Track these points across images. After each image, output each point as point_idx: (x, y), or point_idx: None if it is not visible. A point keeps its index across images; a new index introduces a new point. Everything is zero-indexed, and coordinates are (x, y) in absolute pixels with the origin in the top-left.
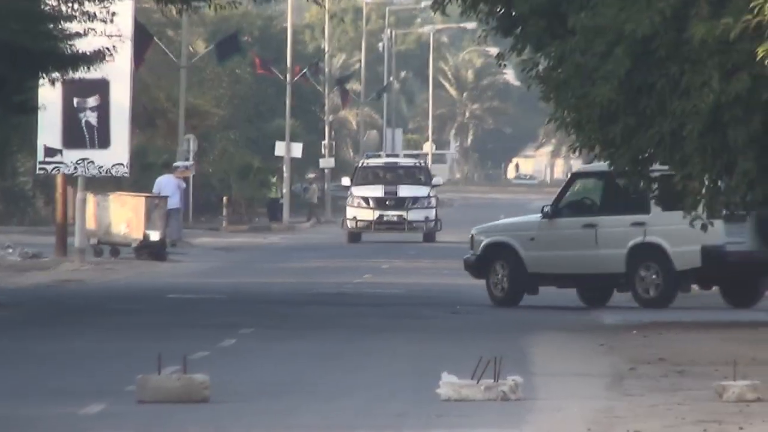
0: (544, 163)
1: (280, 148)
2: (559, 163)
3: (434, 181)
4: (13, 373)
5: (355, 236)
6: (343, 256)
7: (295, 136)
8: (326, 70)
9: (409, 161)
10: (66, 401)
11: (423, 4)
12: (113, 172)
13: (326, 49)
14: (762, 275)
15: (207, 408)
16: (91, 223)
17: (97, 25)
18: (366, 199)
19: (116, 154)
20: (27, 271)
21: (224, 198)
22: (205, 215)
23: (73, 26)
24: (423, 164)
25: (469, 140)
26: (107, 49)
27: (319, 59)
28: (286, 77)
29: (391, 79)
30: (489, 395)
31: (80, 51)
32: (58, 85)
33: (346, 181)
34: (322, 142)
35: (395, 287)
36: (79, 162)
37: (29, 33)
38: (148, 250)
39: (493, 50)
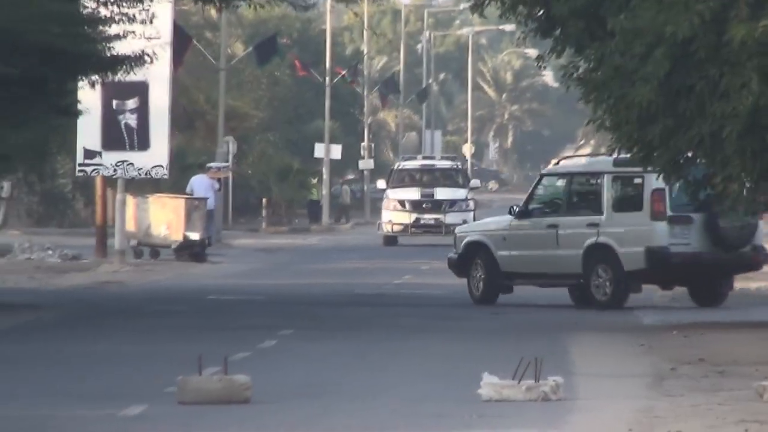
0: None
1: (319, 150)
2: None
3: (472, 183)
4: (54, 375)
5: (391, 240)
6: (382, 257)
7: (335, 138)
8: (365, 72)
9: (446, 163)
10: (106, 403)
11: (462, 6)
12: (153, 173)
13: (365, 52)
14: (713, 276)
15: (248, 409)
16: (130, 225)
17: (136, 28)
18: (402, 202)
19: (155, 156)
20: (67, 273)
21: (264, 199)
22: (244, 216)
23: (113, 29)
24: (460, 166)
25: (509, 142)
26: (146, 52)
27: (358, 62)
28: (325, 79)
29: (430, 81)
30: (530, 396)
31: (119, 53)
32: (98, 87)
33: (381, 183)
34: (361, 144)
35: (435, 288)
36: (118, 164)
37: (68, 36)
38: (188, 252)
39: (532, 52)
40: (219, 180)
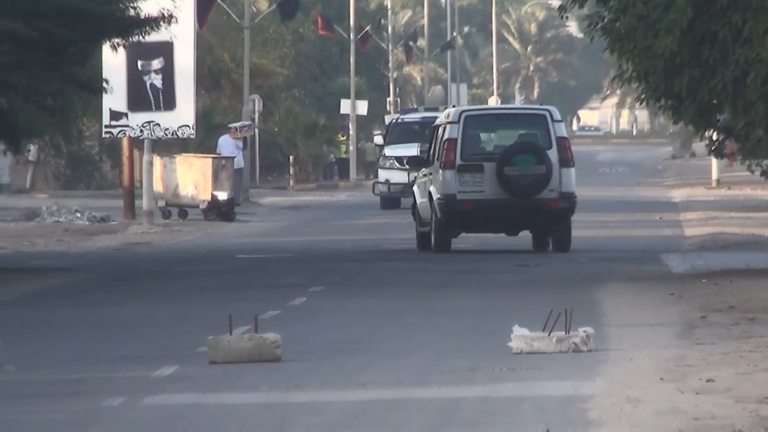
0: (609, 115)
1: (345, 106)
2: (625, 114)
3: None
4: (84, 338)
5: (389, 201)
6: (410, 212)
7: (360, 94)
8: (389, 27)
9: None
10: (138, 364)
11: None
12: (179, 134)
13: (389, 6)
14: (512, 221)
15: (279, 367)
16: (158, 186)
17: None
18: (400, 160)
19: (182, 116)
20: (95, 235)
21: (290, 157)
22: (272, 174)
23: None
24: None
25: (535, 93)
26: (169, 11)
27: (382, 16)
28: (349, 36)
29: (455, 34)
30: (560, 347)
31: (142, 14)
32: (122, 49)
33: (378, 139)
34: (387, 99)
35: (462, 242)
36: (144, 125)
37: None
38: (217, 211)
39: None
40: (244, 139)
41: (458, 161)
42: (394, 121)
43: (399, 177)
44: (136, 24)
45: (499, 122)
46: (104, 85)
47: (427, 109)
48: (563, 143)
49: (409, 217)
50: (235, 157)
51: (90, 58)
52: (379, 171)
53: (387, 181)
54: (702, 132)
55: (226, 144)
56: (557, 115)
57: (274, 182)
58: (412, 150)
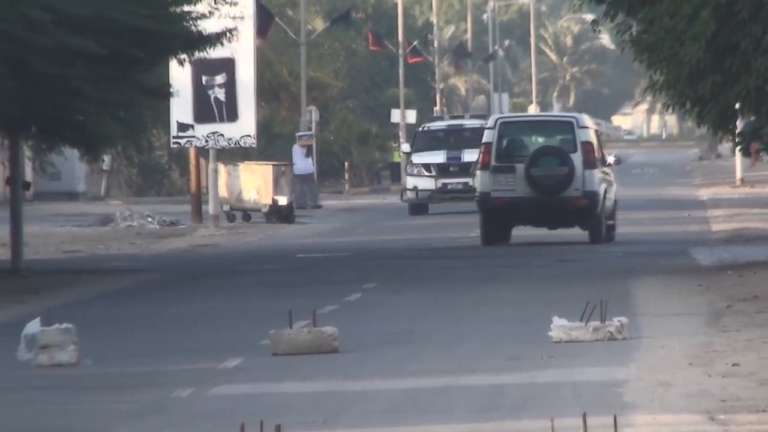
0: (640, 120)
1: (395, 115)
2: (655, 119)
3: None
4: (155, 333)
5: (417, 208)
6: (458, 212)
7: (409, 104)
8: (435, 41)
9: (475, 122)
10: (206, 357)
11: None
12: (242, 143)
13: (434, 22)
14: (541, 216)
15: (336, 358)
16: (223, 192)
17: (221, 7)
18: (427, 167)
19: (244, 127)
20: (165, 238)
21: (345, 163)
22: (328, 180)
23: (198, 8)
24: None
25: (571, 101)
26: (231, 30)
27: (428, 32)
28: (398, 50)
29: (496, 47)
30: (597, 336)
31: (205, 32)
32: (187, 64)
33: (406, 147)
34: (434, 108)
35: (517, 237)
36: (209, 135)
37: (157, 17)
38: (277, 214)
39: (589, 17)
40: (308, 147)
41: (493, 163)
42: (420, 129)
43: (426, 184)
44: (200, 41)
45: (531, 128)
46: (171, 90)
47: (452, 117)
48: (587, 147)
49: (454, 217)
50: (294, 164)
51: (157, 70)
52: (407, 178)
53: (415, 188)
54: (723, 134)
55: (297, 152)
56: (583, 122)
57: (331, 187)
58: (438, 157)
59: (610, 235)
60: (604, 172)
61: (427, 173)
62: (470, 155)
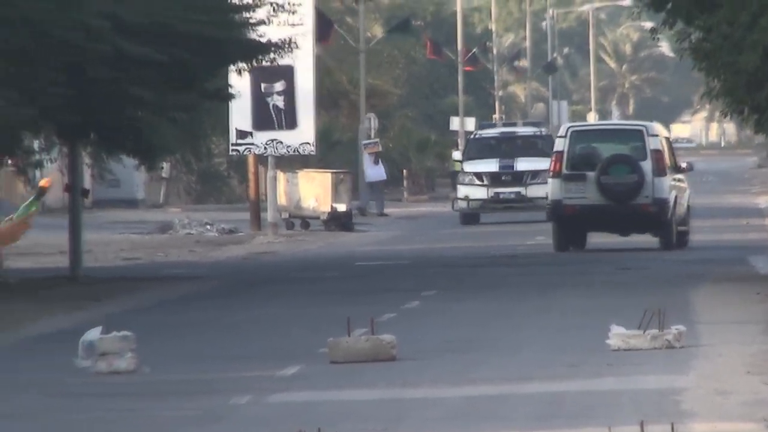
0: (699, 128)
1: (454, 123)
2: (714, 127)
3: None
4: (214, 340)
5: (469, 217)
6: (515, 220)
7: (468, 111)
8: (494, 49)
9: (528, 130)
10: (265, 364)
11: None
12: (301, 150)
13: (493, 30)
14: (613, 223)
15: (394, 366)
16: (282, 199)
17: (280, 15)
18: (479, 175)
19: (303, 134)
20: (224, 246)
21: (404, 171)
22: (387, 187)
23: (258, 16)
24: (545, 132)
25: (630, 109)
26: (290, 39)
27: (487, 39)
28: (457, 58)
29: (555, 55)
30: (655, 344)
31: (265, 40)
32: (247, 73)
33: (457, 155)
34: (493, 116)
35: (591, 243)
36: (268, 142)
37: (216, 24)
38: (336, 222)
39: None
40: (375, 154)
41: (564, 171)
42: (472, 136)
43: (478, 193)
44: (259, 49)
45: (601, 136)
46: (231, 93)
47: (505, 124)
48: (657, 155)
49: (511, 225)
50: (348, 172)
51: (219, 81)
52: (459, 187)
53: (466, 197)
54: None
55: (366, 160)
56: (653, 130)
57: (390, 194)
58: (491, 165)
59: (683, 241)
60: (675, 179)
61: (478, 182)
62: (523, 164)
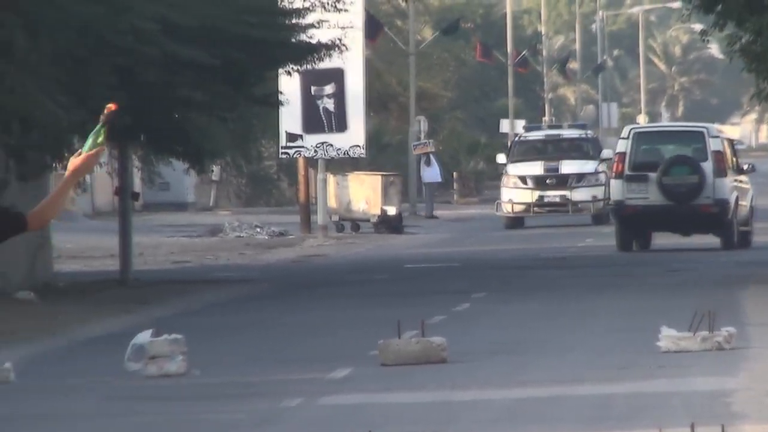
0: (749, 129)
1: (504, 126)
2: (764, 128)
3: (603, 154)
4: (264, 343)
5: (513, 221)
6: (565, 222)
7: (518, 114)
8: (544, 51)
9: (573, 132)
10: (314, 366)
11: None
12: (351, 153)
13: (543, 32)
14: (674, 223)
15: (445, 368)
16: (332, 202)
17: (330, 17)
18: (523, 179)
19: (353, 137)
20: (274, 248)
21: (454, 173)
22: (437, 190)
23: (308, 19)
24: (591, 135)
25: (680, 111)
26: (340, 40)
27: (537, 42)
28: (507, 60)
29: (605, 57)
30: (705, 346)
31: (314, 42)
32: (297, 75)
33: (501, 158)
34: (543, 119)
35: (616, 250)
36: (318, 145)
37: (266, 26)
38: (387, 224)
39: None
40: (427, 155)
41: (626, 172)
42: (516, 139)
43: (522, 196)
44: (309, 50)
45: (663, 138)
46: (280, 99)
47: (550, 126)
48: (718, 156)
49: (563, 229)
50: (398, 174)
51: (269, 85)
52: (502, 190)
53: (510, 201)
54: None
55: (421, 161)
56: (714, 132)
57: (440, 197)
58: (535, 168)
59: (745, 241)
60: (737, 180)
61: (523, 185)
62: (568, 166)
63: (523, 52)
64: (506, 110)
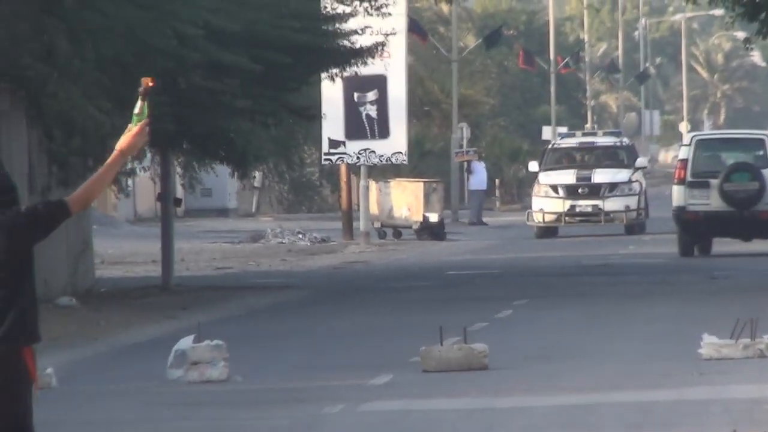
0: None
1: (546, 133)
2: None
3: (638, 162)
4: (306, 349)
5: (545, 231)
6: (607, 230)
7: (560, 121)
8: (587, 58)
9: (608, 140)
10: (356, 372)
11: None
12: (393, 160)
13: (586, 39)
14: (736, 229)
15: (486, 375)
16: (374, 208)
17: (373, 22)
18: (555, 188)
19: (395, 144)
20: (316, 255)
21: (497, 180)
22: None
23: (351, 24)
24: (626, 142)
25: (722, 119)
26: (382, 43)
27: (579, 49)
28: (549, 67)
29: (647, 64)
30: (747, 353)
31: (357, 46)
32: (340, 82)
33: (533, 166)
34: (585, 126)
35: (658, 257)
36: (360, 152)
37: (309, 31)
38: (428, 231)
39: (741, 34)
40: (468, 163)
41: (688, 178)
42: (549, 146)
43: (553, 205)
44: (352, 54)
45: (724, 145)
46: (318, 113)
47: (584, 134)
48: None
49: (608, 237)
50: (440, 181)
51: (306, 87)
52: (533, 199)
53: (541, 210)
54: None
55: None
56: None
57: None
58: (567, 177)
59: None
60: None
61: (554, 194)
62: (600, 175)
63: (566, 59)
64: (548, 117)
